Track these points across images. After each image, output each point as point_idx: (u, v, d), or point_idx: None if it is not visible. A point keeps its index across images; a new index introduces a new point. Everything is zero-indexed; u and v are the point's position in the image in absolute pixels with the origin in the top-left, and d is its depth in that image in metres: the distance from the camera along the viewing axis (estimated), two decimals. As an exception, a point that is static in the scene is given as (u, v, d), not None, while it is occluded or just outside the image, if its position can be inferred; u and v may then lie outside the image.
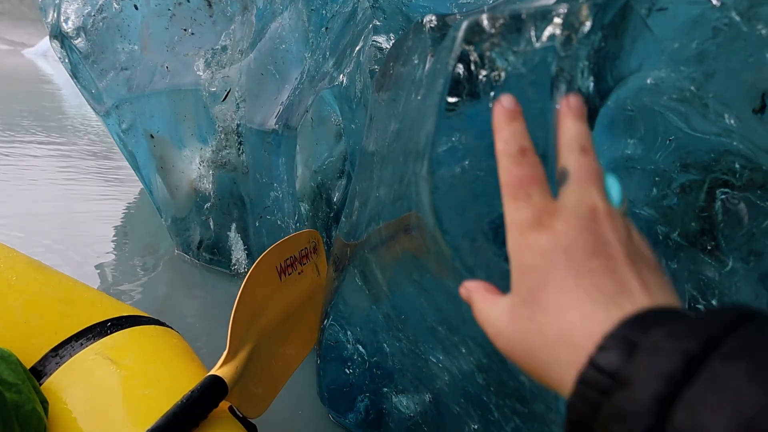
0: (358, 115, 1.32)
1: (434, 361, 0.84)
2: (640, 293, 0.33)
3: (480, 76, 0.48)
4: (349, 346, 1.19)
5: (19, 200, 2.52)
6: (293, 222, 1.62)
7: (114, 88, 1.90)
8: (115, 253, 2.11)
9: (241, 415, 0.75)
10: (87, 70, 1.93)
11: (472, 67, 0.49)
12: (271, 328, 0.87)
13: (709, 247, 0.59)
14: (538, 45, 0.46)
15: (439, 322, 0.66)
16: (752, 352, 0.26)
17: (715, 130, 0.54)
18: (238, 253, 1.82)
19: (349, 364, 1.19)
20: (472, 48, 0.47)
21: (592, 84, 0.50)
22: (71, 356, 0.77)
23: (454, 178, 0.47)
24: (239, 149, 1.77)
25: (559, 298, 0.34)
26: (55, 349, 0.78)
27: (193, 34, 1.83)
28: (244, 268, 1.83)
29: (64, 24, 1.92)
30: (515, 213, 0.37)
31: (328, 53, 1.48)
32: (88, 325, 0.83)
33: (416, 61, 0.68)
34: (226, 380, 0.70)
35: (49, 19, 2.01)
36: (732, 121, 0.52)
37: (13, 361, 0.63)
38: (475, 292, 0.43)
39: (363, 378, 1.17)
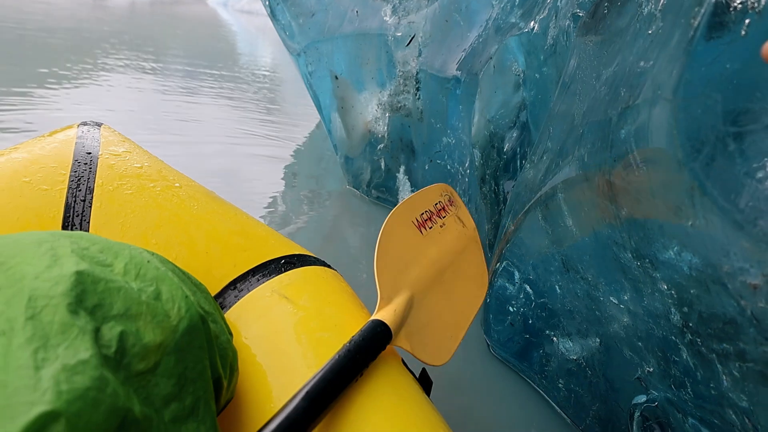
0: (546, 64, 1.32)
1: (615, 302, 0.86)
2: None
3: (734, 5, 0.49)
4: (515, 286, 1.23)
5: (191, 135, 2.82)
6: (462, 168, 1.67)
7: (307, 29, 2.06)
8: (285, 188, 2.31)
9: (411, 372, 0.76)
10: (285, 11, 2.10)
11: (726, -1, 0.49)
12: (427, 279, 0.87)
13: None
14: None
15: (638, 256, 0.68)
16: None
17: None
18: (405, 193, 1.93)
19: (513, 302, 1.24)
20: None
21: None
22: (249, 291, 0.78)
23: (698, 102, 0.48)
24: (416, 95, 1.84)
25: None
26: (234, 282, 0.80)
27: (383, -20, 1.92)
28: (409, 208, 1.93)
29: (268, -32, 2.10)
30: None
31: (517, 1, 1.49)
32: (264, 261, 0.84)
33: (643, -1, 0.68)
34: (388, 324, 0.71)
35: (254, -36, 2.20)
36: None
37: (206, 291, 0.63)
38: None
39: (527, 317, 1.21)
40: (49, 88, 3.10)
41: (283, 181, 2.37)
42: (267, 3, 2.16)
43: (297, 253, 0.89)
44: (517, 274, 1.23)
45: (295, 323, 0.73)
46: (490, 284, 1.29)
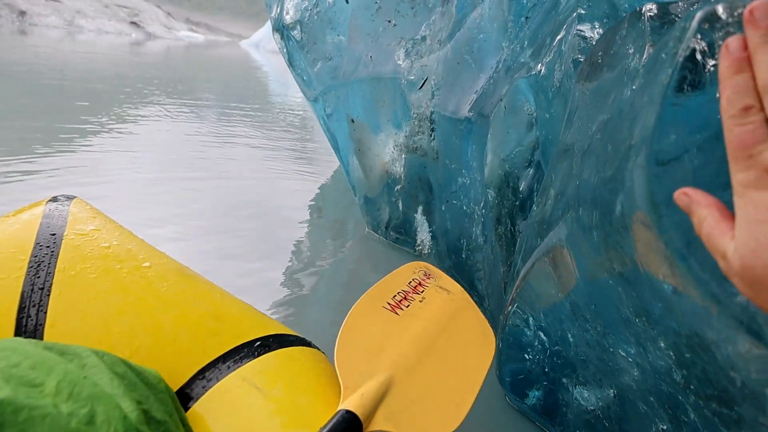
0: (554, 105, 1.31)
1: (623, 354, 0.83)
2: None
3: (708, 67, 0.48)
4: (530, 332, 1.21)
5: (225, 171, 2.91)
6: (479, 208, 1.66)
7: (323, 75, 2.10)
8: (310, 226, 2.34)
9: None
10: (301, 58, 2.15)
11: (700, 57, 0.48)
12: (413, 355, 0.84)
13: None
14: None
15: (637, 313, 0.66)
16: None
17: None
18: (423, 235, 1.92)
19: (528, 350, 1.21)
20: (703, 38, 0.47)
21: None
22: (218, 380, 0.74)
23: (673, 169, 0.47)
24: (431, 135, 1.85)
25: None
26: (203, 371, 0.75)
27: (395, 25, 1.95)
28: (428, 249, 1.92)
29: (285, 17, 2.16)
30: (737, 174, 0.37)
31: (526, 43, 1.49)
32: (236, 345, 0.79)
33: (631, 51, 0.67)
34: (355, 411, 0.68)
35: (273, 14, 2.27)
36: None
37: (162, 390, 0.60)
38: (707, 210, 0.40)
39: (543, 365, 1.18)
40: (82, 137, 3.23)
41: (308, 218, 2.42)
42: (285, 51, 2.22)
43: (274, 333, 0.85)
44: (531, 320, 1.20)
45: (265, 418, 0.69)
46: (504, 327, 1.27)
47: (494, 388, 1.35)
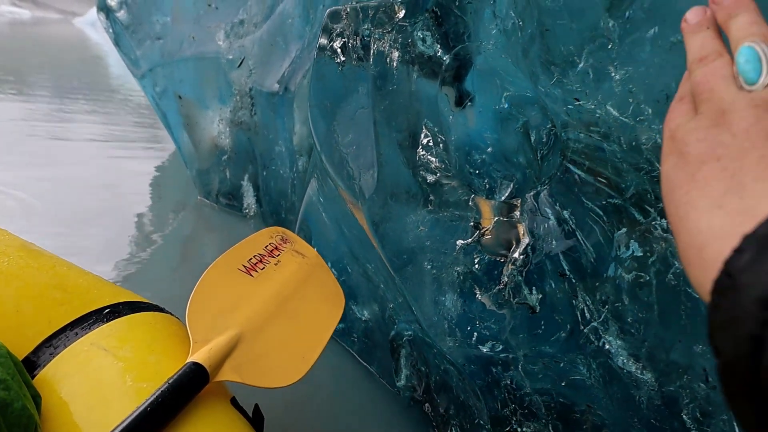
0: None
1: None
2: (757, 184, 0.30)
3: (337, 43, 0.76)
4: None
5: (64, 159, 2.89)
6: (291, 172, 1.91)
7: (149, 54, 2.21)
8: (150, 201, 2.46)
9: (242, 408, 0.78)
10: (127, 38, 2.25)
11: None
12: (264, 313, 0.89)
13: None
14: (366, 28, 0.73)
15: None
16: None
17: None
18: (249, 199, 2.13)
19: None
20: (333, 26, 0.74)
21: (438, 48, 0.77)
22: (66, 346, 0.75)
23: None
24: (252, 110, 2.06)
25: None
26: (49, 339, 0.76)
27: (216, 8, 2.12)
28: (254, 211, 2.14)
29: (108, -2, 2.24)
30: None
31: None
32: (84, 312, 0.80)
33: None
34: (203, 363, 0.71)
35: (96, -7, 2.33)
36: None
37: (2, 354, 0.60)
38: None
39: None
40: None
41: (150, 194, 2.54)
42: (111, 31, 2.30)
43: (124, 300, 0.87)
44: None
45: (113, 375, 0.71)
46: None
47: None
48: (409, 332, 1.10)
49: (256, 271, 0.96)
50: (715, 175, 0.32)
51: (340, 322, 1.01)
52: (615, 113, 0.59)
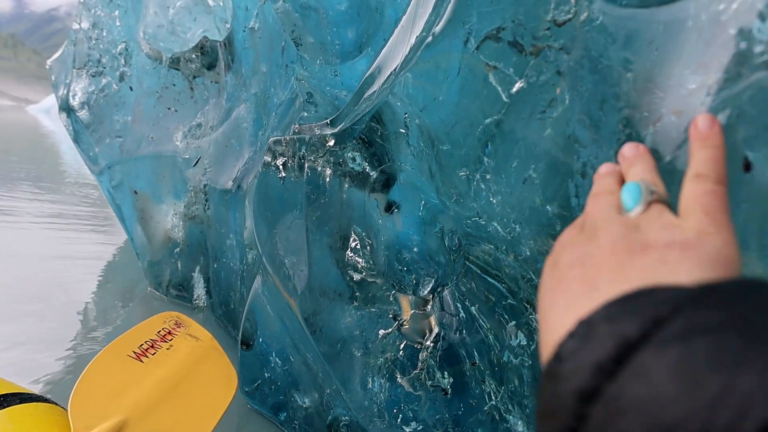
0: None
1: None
2: (609, 285, 0.32)
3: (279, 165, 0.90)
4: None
5: (10, 247, 2.90)
6: (241, 265, 2.01)
7: (108, 152, 2.33)
8: (98, 291, 2.48)
9: None
10: (87, 137, 2.37)
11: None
12: (153, 398, 0.90)
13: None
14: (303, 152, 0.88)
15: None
16: (693, 336, 0.22)
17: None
18: (199, 290, 2.20)
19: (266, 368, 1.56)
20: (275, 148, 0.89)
21: (366, 166, 0.92)
22: None
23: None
24: (205, 205, 2.18)
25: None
26: None
27: (176, 111, 2.29)
28: (204, 302, 2.20)
29: (72, 99, 2.37)
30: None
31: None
32: None
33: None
34: None
35: (59, 94, 2.47)
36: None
37: None
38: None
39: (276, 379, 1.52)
40: None
41: (97, 284, 2.56)
42: (71, 129, 2.42)
43: (7, 392, 0.87)
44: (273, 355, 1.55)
45: None
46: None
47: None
48: (346, 417, 1.19)
49: (147, 357, 0.98)
50: (577, 279, 0.35)
51: (282, 411, 1.04)
52: (499, 229, 0.74)
